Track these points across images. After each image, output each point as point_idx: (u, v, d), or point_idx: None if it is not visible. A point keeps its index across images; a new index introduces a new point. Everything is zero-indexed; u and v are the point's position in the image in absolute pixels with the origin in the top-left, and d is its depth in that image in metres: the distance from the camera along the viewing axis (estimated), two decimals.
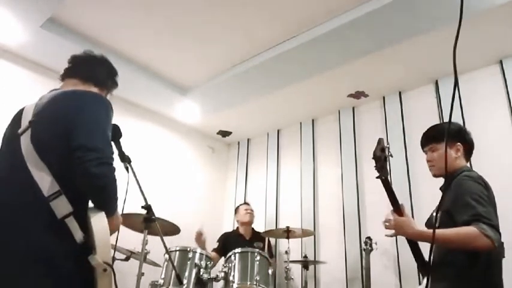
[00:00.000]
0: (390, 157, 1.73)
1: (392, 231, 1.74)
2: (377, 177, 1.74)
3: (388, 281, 3.28)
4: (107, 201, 1.38)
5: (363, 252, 3.26)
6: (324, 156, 4.21)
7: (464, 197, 1.59)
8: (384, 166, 1.72)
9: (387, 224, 1.75)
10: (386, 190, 1.74)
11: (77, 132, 1.35)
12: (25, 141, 1.38)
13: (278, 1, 2.94)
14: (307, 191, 4.16)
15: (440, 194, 1.88)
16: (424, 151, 1.95)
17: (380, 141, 1.75)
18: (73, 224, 1.29)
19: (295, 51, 3.31)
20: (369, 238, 3.24)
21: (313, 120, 4.44)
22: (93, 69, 1.68)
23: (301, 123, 4.53)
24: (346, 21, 2.96)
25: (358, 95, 3.91)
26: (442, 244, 1.59)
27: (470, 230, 1.48)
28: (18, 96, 3.28)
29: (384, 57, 3.29)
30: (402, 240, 3.26)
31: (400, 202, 1.75)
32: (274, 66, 3.53)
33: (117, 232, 1.48)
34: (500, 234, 1.51)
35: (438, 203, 1.82)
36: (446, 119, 3.33)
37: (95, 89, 1.64)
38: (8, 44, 3.37)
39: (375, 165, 1.74)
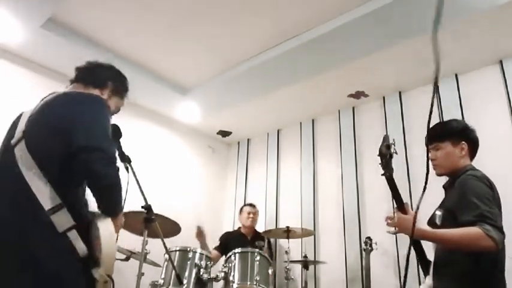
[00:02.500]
0: (395, 154, 1.71)
1: (394, 229, 1.72)
2: (382, 175, 1.72)
3: (388, 281, 3.28)
4: (115, 201, 1.37)
5: (363, 252, 3.27)
6: (324, 156, 4.21)
7: (468, 196, 1.58)
8: (389, 163, 1.70)
9: (389, 221, 1.73)
10: (390, 188, 1.72)
11: (77, 134, 1.33)
12: (21, 152, 1.34)
13: (278, 2, 2.94)
14: (307, 191, 4.16)
15: (441, 193, 1.88)
16: (428, 150, 1.94)
17: (385, 138, 1.73)
18: (76, 237, 1.28)
19: (295, 52, 3.31)
20: (369, 238, 3.24)
21: (313, 120, 4.44)
22: (92, 73, 1.69)
23: (301, 123, 4.52)
24: (346, 21, 2.97)
25: (358, 95, 3.91)
26: (445, 244, 1.58)
27: (474, 230, 1.47)
28: (18, 96, 3.28)
29: (384, 57, 3.29)
30: (402, 240, 3.28)
31: (405, 201, 1.74)
32: (274, 67, 3.53)
33: None
34: (504, 234, 1.50)
35: (440, 202, 1.82)
36: (446, 119, 3.32)
37: (95, 90, 1.63)
38: (8, 44, 3.37)
39: (380, 162, 1.72)
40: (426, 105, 3.54)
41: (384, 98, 3.89)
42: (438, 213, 1.72)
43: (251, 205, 4.04)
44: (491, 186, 1.66)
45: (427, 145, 1.91)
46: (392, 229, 1.72)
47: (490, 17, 2.76)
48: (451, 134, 1.82)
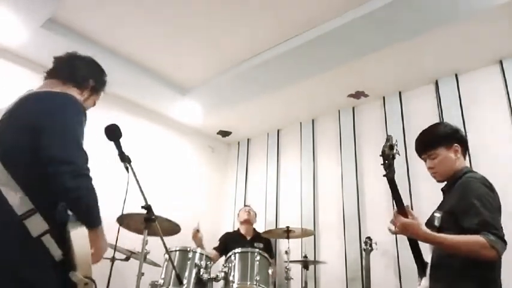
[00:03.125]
0: (397, 155, 1.70)
1: (396, 229, 1.71)
2: (384, 175, 1.72)
3: (388, 281, 3.28)
4: (86, 213, 1.32)
5: (363, 252, 3.27)
6: (324, 156, 4.21)
7: (470, 199, 1.57)
8: (391, 164, 1.69)
9: (392, 228, 1.71)
10: (391, 189, 1.71)
11: (46, 142, 1.28)
12: None
13: (278, 1, 2.94)
14: (307, 191, 4.16)
15: (438, 195, 1.88)
16: (421, 158, 1.90)
17: (389, 138, 1.72)
18: (50, 242, 1.25)
19: (295, 52, 3.31)
20: (369, 238, 3.24)
21: (313, 120, 4.44)
22: (73, 69, 1.60)
23: (301, 123, 4.52)
24: (346, 21, 2.97)
25: (358, 95, 3.91)
26: (447, 249, 1.57)
27: (478, 239, 1.47)
28: (17, 96, 3.28)
29: (384, 57, 3.29)
30: (402, 240, 3.28)
31: (405, 203, 1.72)
32: (274, 66, 3.53)
33: (117, 232, 1.46)
34: (506, 243, 1.50)
35: (439, 204, 1.82)
36: (446, 119, 3.33)
37: (73, 89, 1.56)
38: (8, 44, 3.37)
39: (382, 162, 1.72)
40: (426, 105, 3.54)
41: (383, 98, 3.89)
42: (437, 215, 1.72)
43: (245, 206, 4.13)
44: (491, 187, 1.66)
45: (419, 155, 1.90)
46: (392, 228, 1.71)
47: (490, 17, 2.76)
48: (442, 139, 1.81)
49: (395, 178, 1.73)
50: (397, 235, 3.28)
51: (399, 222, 1.65)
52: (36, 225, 1.24)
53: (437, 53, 3.18)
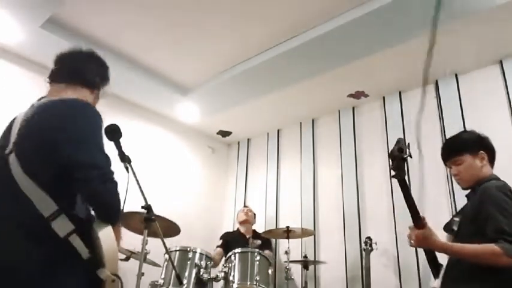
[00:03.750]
0: (409, 157, 1.69)
1: (413, 243, 1.72)
2: (392, 177, 1.70)
3: (388, 281, 3.28)
4: (113, 216, 1.38)
5: (363, 252, 3.27)
6: (324, 156, 4.21)
7: (490, 207, 1.58)
8: (401, 166, 1.67)
9: (411, 240, 1.72)
10: (402, 192, 1.70)
11: (71, 149, 1.31)
12: (13, 161, 1.32)
13: (278, 1, 2.94)
14: (307, 191, 4.16)
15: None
16: (446, 165, 1.90)
17: (400, 140, 1.70)
18: (77, 241, 1.28)
19: (295, 52, 3.31)
20: (369, 238, 3.24)
21: (313, 120, 4.44)
22: (80, 69, 1.57)
23: (301, 123, 4.52)
24: (346, 21, 2.97)
25: (358, 95, 3.91)
26: (464, 258, 1.59)
27: (492, 249, 1.48)
28: (17, 96, 3.28)
29: (384, 57, 3.29)
30: (402, 240, 3.28)
31: (421, 214, 1.70)
32: (274, 67, 3.53)
33: None
34: None
35: (460, 209, 1.81)
36: (446, 119, 3.33)
37: (85, 91, 1.56)
38: (8, 44, 3.37)
39: (391, 164, 1.71)
40: (426, 105, 3.54)
41: (383, 98, 3.89)
42: (456, 219, 1.73)
43: (244, 206, 4.12)
44: (511, 194, 1.64)
45: (445, 162, 1.88)
46: (412, 241, 1.72)
47: (490, 17, 2.76)
48: (468, 146, 1.81)
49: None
50: (397, 235, 3.31)
51: (414, 236, 1.67)
52: (63, 226, 1.27)
53: (438, 53, 3.17)
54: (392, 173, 1.69)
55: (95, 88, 1.61)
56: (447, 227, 1.74)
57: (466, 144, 1.82)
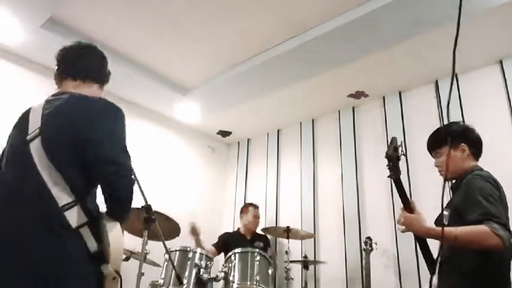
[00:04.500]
0: (403, 156, 1.71)
1: (404, 227, 1.72)
2: (388, 177, 1.73)
3: (388, 281, 3.28)
4: (124, 212, 1.42)
5: (363, 252, 3.27)
6: (324, 156, 4.21)
7: (474, 195, 1.59)
8: (396, 166, 1.70)
9: (401, 227, 1.73)
10: (398, 190, 1.72)
11: (96, 145, 1.37)
12: (36, 148, 1.36)
13: (278, 2, 2.94)
14: (307, 191, 4.16)
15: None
16: (432, 157, 1.94)
17: (393, 140, 1.73)
18: (87, 234, 1.31)
19: (295, 51, 3.31)
20: (369, 238, 3.25)
21: (313, 120, 4.44)
22: (88, 65, 1.62)
23: (301, 123, 4.53)
24: (347, 21, 2.96)
25: (358, 95, 3.91)
26: (451, 242, 1.57)
27: (481, 228, 1.48)
28: (18, 96, 3.28)
29: (384, 57, 3.29)
30: (402, 240, 3.28)
31: (411, 199, 1.73)
32: (274, 66, 3.53)
33: None
34: (511, 232, 1.51)
35: (447, 202, 1.82)
36: (446, 119, 3.33)
37: (95, 87, 1.61)
38: (8, 44, 3.37)
39: (387, 164, 1.72)
40: (426, 106, 3.55)
41: (383, 98, 3.89)
42: (445, 213, 1.73)
43: (256, 207, 3.95)
44: (497, 185, 1.66)
45: (430, 153, 1.92)
46: (402, 227, 1.72)
47: (490, 17, 2.76)
48: (449, 139, 1.82)
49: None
50: (397, 235, 3.31)
51: (403, 218, 1.67)
52: (77, 216, 1.30)
53: (438, 53, 3.18)
54: (388, 173, 1.71)
55: (103, 84, 1.67)
56: (438, 221, 1.74)
57: (446, 137, 1.84)
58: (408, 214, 1.68)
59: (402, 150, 1.70)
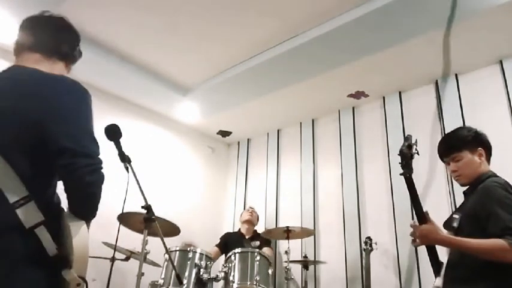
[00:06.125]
0: (416, 155, 1.70)
1: (418, 241, 1.72)
2: (401, 174, 1.73)
3: (388, 281, 3.28)
4: (92, 209, 1.24)
5: (363, 252, 3.27)
6: (324, 156, 4.21)
7: (492, 205, 1.59)
8: (409, 164, 1.70)
9: (416, 238, 1.72)
10: (408, 188, 1.72)
11: (59, 132, 1.17)
12: None
13: (278, 2, 2.94)
14: (307, 191, 4.16)
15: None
16: (444, 161, 1.90)
17: (408, 137, 1.73)
18: (44, 235, 1.13)
19: (295, 52, 3.31)
20: (369, 238, 3.24)
21: (313, 120, 4.44)
22: (56, 40, 1.44)
23: (301, 123, 4.52)
24: (347, 21, 2.97)
25: (358, 95, 3.91)
26: (470, 253, 1.58)
27: (499, 243, 1.49)
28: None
29: (384, 57, 3.29)
30: (402, 240, 3.28)
31: (424, 209, 1.72)
32: (274, 67, 3.53)
33: (117, 232, 1.44)
34: None
35: (459, 206, 1.82)
36: (446, 119, 3.33)
37: (59, 64, 1.42)
38: (8, 44, 3.37)
39: (400, 161, 1.72)
40: (426, 105, 3.54)
41: (383, 98, 3.89)
42: (456, 216, 1.73)
43: (249, 210, 4.07)
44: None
45: (442, 158, 1.90)
46: (416, 242, 1.72)
47: (490, 17, 2.76)
48: (467, 142, 1.82)
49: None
50: (397, 235, 3.31)
51: (418, 231, 1.67)
52: (30, 215, 1.12)
53: (438, 53, 3.18)
54: (401, 170, 1.70)
55: (71, 62, 1.47)
56: (447, 224, 1.74)
57: (465, 141, 1.83)
58: (422, 227, 1.67)
59: (416, 149, 1.70)
